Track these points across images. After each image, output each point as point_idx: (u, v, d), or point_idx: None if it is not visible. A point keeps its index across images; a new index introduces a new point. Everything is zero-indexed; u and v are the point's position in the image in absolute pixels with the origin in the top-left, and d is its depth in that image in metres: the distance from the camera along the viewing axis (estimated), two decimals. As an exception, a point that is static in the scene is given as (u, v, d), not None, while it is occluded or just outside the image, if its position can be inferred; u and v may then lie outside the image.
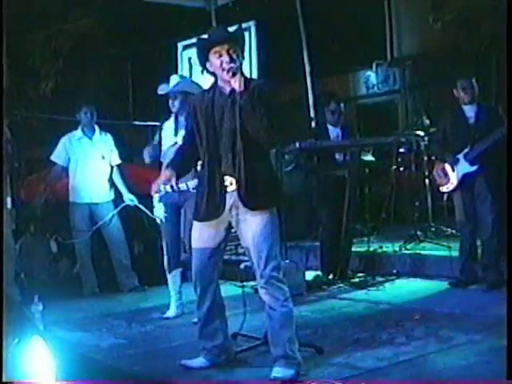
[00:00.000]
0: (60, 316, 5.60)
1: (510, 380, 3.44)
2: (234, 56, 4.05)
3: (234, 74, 4.00)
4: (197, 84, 5.74)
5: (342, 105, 7.15)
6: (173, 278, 5.79)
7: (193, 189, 5.47)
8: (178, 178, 4.29)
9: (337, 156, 7.05)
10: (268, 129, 3.93)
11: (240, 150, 3.98)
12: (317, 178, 7.04)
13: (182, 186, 5.46)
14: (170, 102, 5.65)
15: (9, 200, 6.19)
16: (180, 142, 5.26)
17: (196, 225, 4.22)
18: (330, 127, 7.11)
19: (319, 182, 7.04)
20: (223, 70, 4.03)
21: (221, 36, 4.13)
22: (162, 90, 5.69)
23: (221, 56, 4.05)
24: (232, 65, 4.01)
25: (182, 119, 5.63)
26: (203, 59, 4.14)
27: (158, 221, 5.88)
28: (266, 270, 4.01)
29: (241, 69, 4.06)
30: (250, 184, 3.99)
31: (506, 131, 5.73)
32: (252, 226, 4.02)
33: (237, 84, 3.98)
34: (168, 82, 5.70)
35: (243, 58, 4.14)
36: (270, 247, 4.02)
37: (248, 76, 4.25)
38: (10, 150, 6.32)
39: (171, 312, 5.78)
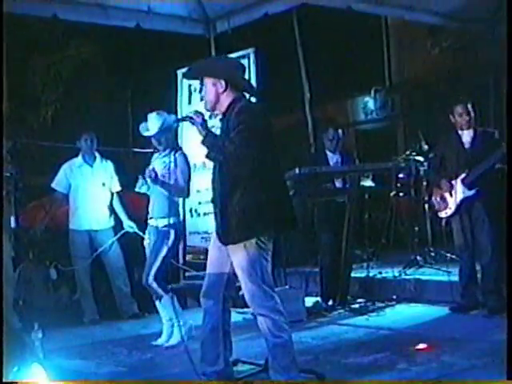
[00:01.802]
0: (60, 343, 5.58)
1: (510, 380, 3.41)
2: (204, 89, 4.15)
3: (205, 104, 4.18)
4: (172, 119, 5.83)
5: (340, 131, 7.18)
6: (162, 304, 5.77)
7: (163, 227, 5.56)
8: None
9: (336, 182, 7.06)
10: (236, 165, 3.91)
11: (217, 181, 4.05)
12: (316, 203, 7.04)
13: (152, 222, 5.63)
14: (155, 142, 5.77)
15: (12, 219, 6.18)
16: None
17: (209, 248, 4.27)
18: (328, 154, 7.14)
19: (319, 207, 7.04)
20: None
21: (189, 69, 4.35)
22: (145, 131, 5.79)
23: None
24: (205, 101, 4.18)
25: (167, 151, 5.74)
26: None
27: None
28: (252, 302, 4.01)
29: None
30: (224, 217, 4.00)
31: (506, 152, 5.73)
32: (234, 258, 4.03)
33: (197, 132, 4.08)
34: (146, 119, 5.80)
35: (218, 87, 4.11)
36: (252, 279, 3.97)
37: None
38: (13, 171, 6.34)
39: (162, 339, 5.73)
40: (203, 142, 4.04)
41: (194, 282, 7.67)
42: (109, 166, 7.25)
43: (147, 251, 5.79)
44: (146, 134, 5.80)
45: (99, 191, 7.11)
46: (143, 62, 15.43)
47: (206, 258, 4.23)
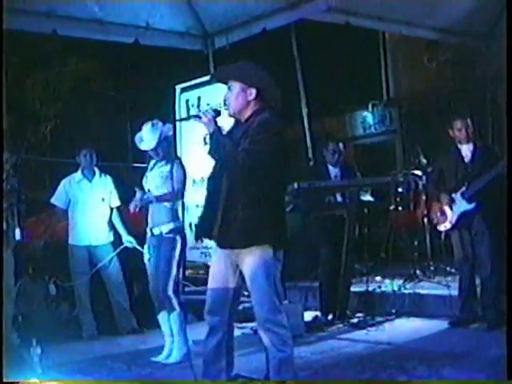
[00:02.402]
0: (58, 359, 5.54)
1: (510, 380, 3.40)
2: (229, 94, 4.11)
3: (229, 107, 4.12)
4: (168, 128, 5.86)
5: (340, 145, 7.20)
6: (161, 319, 5.74)
7: (167, 233, 5.55)
8: None
9: (336, 196, 7.07)
10: (242, 171, 3.88)
11: (224, 185, 4.02)
12: (315, 218, 7.05)
13: (155, 231, 5.59)
14: (154, 153, 5.76)
15: (18, 232, 6.17)
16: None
17: (212, 262, 4.24)
18: (329, 167, 7.15)
19: (318, 222, 7.05)
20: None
21: (221, 71, 4.35)
22: (140, 141, 5.81)
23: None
24: (227, 105, 4.12)
25: (164, 162, 5.73)
26: None
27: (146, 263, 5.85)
28: (261, 313, 3.96)
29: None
30: (225, 222, 3.97)
31: (507, 164, 5.74)
32: (246, 267, 3.98)
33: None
34: (140, 129, 5.81)
35: (248, 94, 4.09)
36: (265, 289, 3.95)
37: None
38: (16, 185, 6.34)
39: (162, 356, 5.68)
40: (208, 138, 4.01)
41: (193, 297, 7.67)
42: (108, 181, 7.25)
43: (149, 265, 5.71)
44: (142, 147, 5.78)
45: (98, 206, 7.10)
46: (142, 78, 15.48)
47: (205, 273, 4.21)
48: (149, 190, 5.73)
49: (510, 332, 4.81)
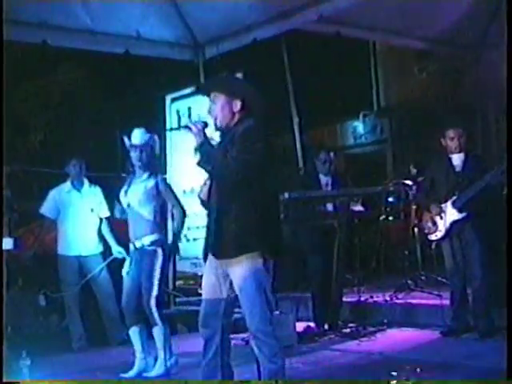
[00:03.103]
0: (48, 370, 5.51)
1: (510, 380, 3.40)
2: (214, 105, 4.12)
3: (215, 120, 4.10)
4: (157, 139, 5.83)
5: (331, 154, 7.22)
6: (132, 335, 5.67)
7: (149, 245, 5.51)
8: None
9: (326, 206, 7.08)
10: (236, 173, 3.89)
11: (214, 195, 4.03)
12: (306, 228, 7.05)
13: (137, 244, 5.55)
14: (136, 157, 5.69)
15: (10, 241, 6.14)
16: None
17: (204, 274, 4.22)
18: (321, 176, 7.17)
19: (308, 231, 7.05)
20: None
21: (205, 83, 4.26)
22: (131, 137, 5.75)
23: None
24: (212, 116, 4.13)
25: (147, 175, 5.69)
26: None
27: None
28: (252, 324, 3.96)
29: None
30: (217, 233, 3.98)
31: (506, 168, 5.75)
32: (236, 277, 3.98)
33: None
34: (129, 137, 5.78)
35: (233, 105, 4.11)
36: (254, 300, 3.94)
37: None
38: (9, 195, 6.33)
39: (132, 372, 5.60)
40: (197, 148, 4.03)
41: (184, 308, 7.66)
42: (97, 191, 7.24)
43: (126, 278, 5.67)
44: (132, 140, 5.72)
45: (88, 217, 7.09)
46: (132, 88, 15.46)
47: (196, 284, 4.20)
48: (129, 205, 5.66)
49: (510, 332, 4.84)
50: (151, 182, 5.65)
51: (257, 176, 3.95)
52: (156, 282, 5.49)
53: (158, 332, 5.55)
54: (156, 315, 5.49)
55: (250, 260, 3.94)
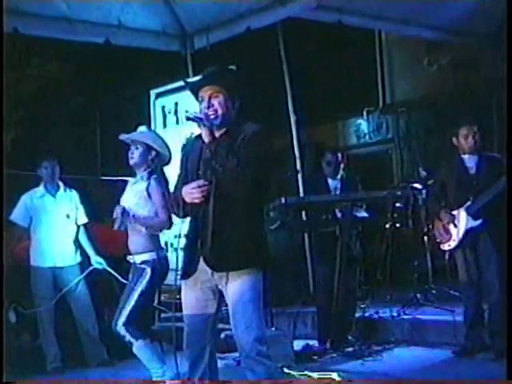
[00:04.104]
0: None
1: (510, 380, 3.40)
2: (215, 101, 4.07)
3: (211, 124, 4.04)
4: (162, 140, 5.78)
5: (339, 155, 7.22)
6: (137, 351, 5.61)
7: (140, 264, 5.49)
8: None
9: (327, 212, 7.07)
10: (242, 183, 3.92)
11: (209, 207, 3.99)
12: (305, 236, 7.05)
13: (130, 258, 5.55)
14: (130, 152, 5.67)
15: None
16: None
17: (182, 287, 4.18)
18: (329, 180, 7.17)
19: (312, 239, 7.06)
20: (205, 116, 4.07)
21: (203, 76, 4.18)
22: (122, 136, 5.75)
23: (203, 101, 4.12)
24: (210, 112, 4.05)
25: (139, 177, 5.65)
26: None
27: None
28: (246, 342, 3.95)
29: (226, 115, 4.08)
30: (216, 244, 3.97)
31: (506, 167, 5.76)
32: (230, 292, 3.99)
33: (203, 133, 4.03)
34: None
35: (238, 100, 4.13)
36: (251, 316, 3.96)
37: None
38: None
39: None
40: (207, 149, 4.02)
41: (170, 325, 7.60)
42: (73, 195, 7.21)
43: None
44: (123, 138, 5.70)
45: (63, 224, 7.07)
46: (113, 82, 15.46)
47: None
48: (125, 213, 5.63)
49: (510, 332, 4.84)
50: (143, 185, 5.62)
51: (263, 183, 4.01)
52: (132, 301, 5.47)
53: (138, 350, 5.51)
54: (124, 334, 5.46)
55: (251, 273, 3.98)
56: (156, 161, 5.70)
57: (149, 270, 5.52)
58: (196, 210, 4.05)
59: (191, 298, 4.12)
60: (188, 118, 4.08)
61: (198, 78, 4.32)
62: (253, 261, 4.01)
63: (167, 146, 5.79)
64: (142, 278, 5.52)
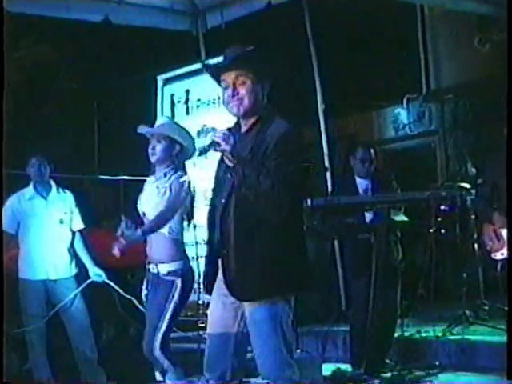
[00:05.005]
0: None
1: (510, 380, 3.71)
2: (242, 88, 4.06)
3: (243, 115, 4.05)
4: (186, 132, 5.80)
5: (371, 151, 7.23)
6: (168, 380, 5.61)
7: (166, 275, 5.50)
8: None
9: (360, 216, 7.08)
10: (272, 209, 3.90)
11: (230, 222, 4.01)
12: (334, 244, 7.07)
13: (152, 269, 5.54)
14: (150, 148, 5.64)
15: None
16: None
17: (211, 302, 4.23)
18: (357, 179, 7.18)
19: (347, 247, 7.08)
20: (229, 105, 4.07)
21: (227, 59, 4.14)
22: (141, 129, 5.73)
23: (227, 88, 4.09)
24: (235, 102, 4.05)
25: (162, 174, 5.65)
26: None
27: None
28: (266, 368, 4.00)
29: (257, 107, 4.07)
30: (240, 268, 3.99)
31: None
32: (250, 311, 4.03)
33: (226, 159, 3.97)
34: (153, 125, 5.77)
35: (267, 86, 4.12)
36: (272, 338, 3.99)
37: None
38: None
39: None
40: (231, 173, 3.97)
41: (181, 346, 7.65)
42: (68, 197, 7.26)
43: (146, 304, 5.71)
44: (142, 131, 5.70)
45: (56, 230, 7.11)
46: (113, 66, 15.51)
47: (196, 315, 4.20)
48: (144, 214, 5.65)
49: (510, 331, 4.82)
50: (166, 182, 5.62)
51: (295, 196, 4.00)
52: (166, 321, 5.47)
53: (171, 378, 5.51)
54: (163, 360, 5.47)
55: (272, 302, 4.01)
56: (180, 156, 5.71)
57: (179, 282, 5.48)
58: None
59: (214, 314, 4.18)
60: (201, 153, 4.05)
61: (218, 60, 4.30)
62: (278, 289, 4.02)
63: (192, 139, 5.82)
64: (173, 291, 5.49)
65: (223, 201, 4.06)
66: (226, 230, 4.03)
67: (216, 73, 4.18)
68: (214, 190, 4.25)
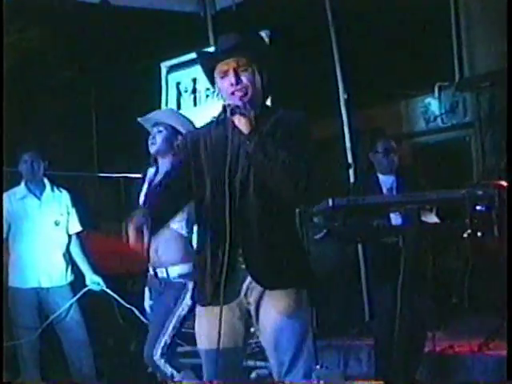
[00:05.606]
0: None
1: (510, 380, 3.99)
2: (244, 76, 4.09)
3: (241, 97, 4.08)
4: (189, 121, 5.82)
5: (393, 144, 7.21)
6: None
7: (175, 278, 5.51)
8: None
9: (387, 217, 7.08)
10: (291, 181, 3.97)
11: (252, 210, 4.03)
12: (358, 247, 7.07)
13: (160, 273, 5.55)
14: (150, 138, 5.71)
15: None
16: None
17: (200, 315, 4.22)
18: (380, 176, 7.17)
19: (362, 253, 7.07)
20: (232, 95, 4.09)
21: (226, 46, 4.15)
22: (141, 118, 5.80)
23: (226, 76, 4.11)
24: (239, 90, 4.08)
25: (164, 166, 5.67)
26: (212, 82, 4.22)
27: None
28: (289, 379, 4.00)
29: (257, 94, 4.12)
30: (264, 257, 4.02)
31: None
32: (272, 316, 4.03)
33: (242, 122, 4.00)
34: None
35: (266, 77, 4.17)
36: (298, 347, 4.03)
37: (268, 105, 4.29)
38: None
39: None
40: (248, 140, 3.99)
41: (187, 361, 7.66)
42: (64, 197, 7.28)
43: (150, 315, 5.75)
44: (142, 121, 5.77)
45: (51, 233, 7.14)
46: (112, 52, 15.55)
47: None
48: None
49: (510, 331, 4.94)
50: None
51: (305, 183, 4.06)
52: (172, 326, 5.53)
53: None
54: (163, 366, 5.52)
55: (298, 295, 4.08)
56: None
57: (190, 285, 5.47)
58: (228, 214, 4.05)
59: (213, 327, 4.11)
60: (225, 109, 4.06)
61: (213, 48, 4.33)
62: (302, 278, 4.14)
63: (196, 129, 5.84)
64: (183, 294, 5.54)
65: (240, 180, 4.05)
66: (245, 215, 4.04)
67: (213, 61, 4.18)
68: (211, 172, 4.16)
